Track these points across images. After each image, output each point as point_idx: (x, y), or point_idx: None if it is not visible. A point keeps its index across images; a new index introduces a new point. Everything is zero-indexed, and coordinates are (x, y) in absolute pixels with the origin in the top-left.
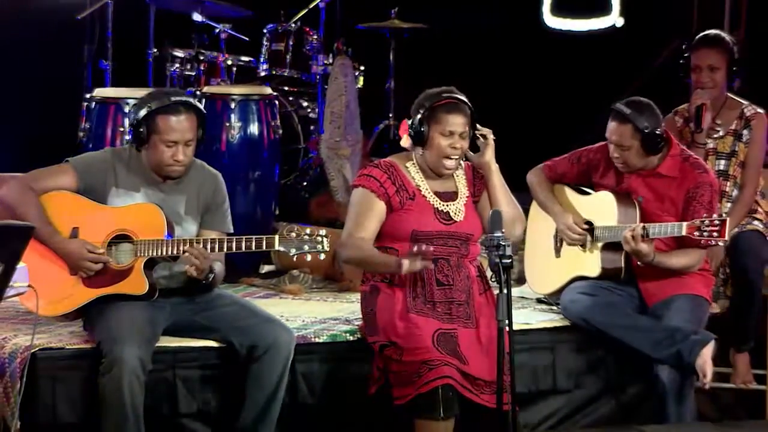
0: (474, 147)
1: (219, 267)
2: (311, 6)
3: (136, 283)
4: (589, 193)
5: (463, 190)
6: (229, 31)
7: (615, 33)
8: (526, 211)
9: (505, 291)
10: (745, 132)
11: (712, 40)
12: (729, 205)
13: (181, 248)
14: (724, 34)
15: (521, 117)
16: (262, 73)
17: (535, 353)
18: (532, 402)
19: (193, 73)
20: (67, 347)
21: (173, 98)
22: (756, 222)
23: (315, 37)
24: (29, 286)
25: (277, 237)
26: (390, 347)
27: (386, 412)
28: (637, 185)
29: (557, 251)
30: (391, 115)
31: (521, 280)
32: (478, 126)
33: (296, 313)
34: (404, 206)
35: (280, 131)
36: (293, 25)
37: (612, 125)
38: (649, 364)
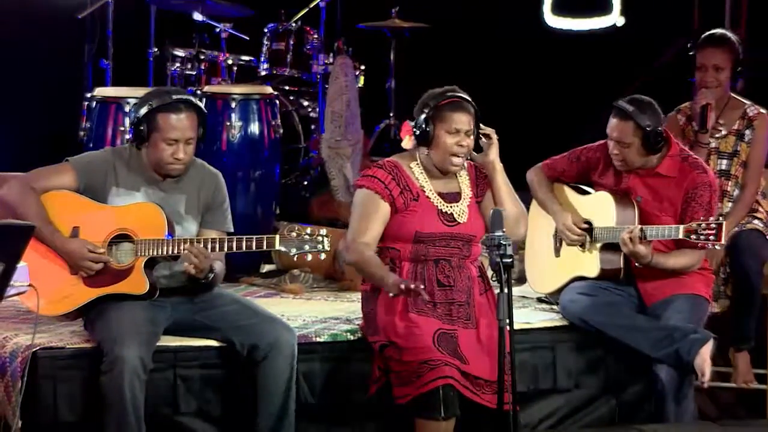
0: (477, 147)
1: (219, 266)
2: (312, 5)
3: (137, 283)
4: (588, 193)
5: (467, 191)
6: (230, 30)
7: (616, 32)
8: (527, 210)
9: (505, 290)
10: (747, 132)
11: (719, 40)
12: (730, 204)
13: (182, 248)
14: (730, 34)
15: (522, 116)
16: (263, 73)
17: (536, 352)
18: (532, 401)
19: (194, 73)
20: (68, 346)
21: (174, 96)
22: (756, 221)
23: (315, 36)
24: (30, 285)
25: (277, 237)
26: (390, 347)
27: (387, 412)
28: (636, 185)
29: (557, 251)
30: (391, 115)
31: (522, 280)
32: (481, 126)
33: (297, 312)
34: (408, 207)
35: (281, 131)
36: (294, 24)
37: (613, 122)
38: (649, 364)
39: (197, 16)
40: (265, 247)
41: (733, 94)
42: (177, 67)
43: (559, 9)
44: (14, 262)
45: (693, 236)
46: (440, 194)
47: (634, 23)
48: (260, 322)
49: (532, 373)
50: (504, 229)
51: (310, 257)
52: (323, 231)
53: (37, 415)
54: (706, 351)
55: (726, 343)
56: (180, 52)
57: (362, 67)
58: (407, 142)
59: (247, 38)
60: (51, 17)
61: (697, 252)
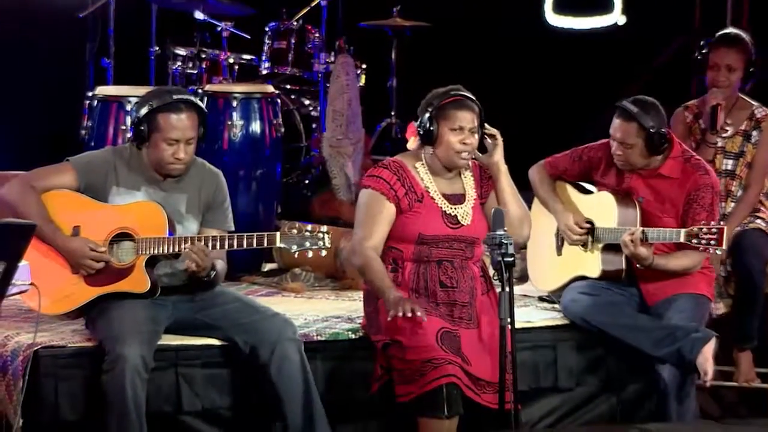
0: (482, 147)
1: (220, 265)
2: (313, 4)
3: (138, 282)
4: (590, 192)
5: (471, 192)
6: (231, 29)
7: (617, 31)
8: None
9: (507, 289)
10: (754, 133)
11: (733, 40)
12: (733, 204)
13: (182, 246)
14: (744, 35)
15: (523, 115)
16: (264, 72)
17: (537, 351)
18: (533, 400)
19: (195, 72)
20: (70, 345)
21: (174, 96)
22: (759, 221)
23: (317, 35)
24: (31, 284)
25: (278, 234)
26: (393, 345)
27: (389, 411)
28: (638, 185)
29: (559, 249)
30: (393, 113)
31: (524, 278)
32: (486, 126)
33: (298, 311)
34: (412, 208)
35: (282, 129)
36: (295, 23)
37: (617, 122)
38: (650, 363)
39: (198, 15)
40: (266, 245)
41: (741, 95)
42: (178, 65)
43: (560, 8)
44: (16, 261)
45: (694, 240)
46: (445, 195)
47: (635, 22)
48: (261, 320)
49: (533, 372)
50: (506, 228)
51: (311, 254)
52: (324, 228)
53: (39, 414)
54: (709, 350)
55: (728, 341)
56: (181, 51)
57: (363, 66)
58: (412, 143)
59: (249, 37)
60: (52, 16)
61: (698, 253)
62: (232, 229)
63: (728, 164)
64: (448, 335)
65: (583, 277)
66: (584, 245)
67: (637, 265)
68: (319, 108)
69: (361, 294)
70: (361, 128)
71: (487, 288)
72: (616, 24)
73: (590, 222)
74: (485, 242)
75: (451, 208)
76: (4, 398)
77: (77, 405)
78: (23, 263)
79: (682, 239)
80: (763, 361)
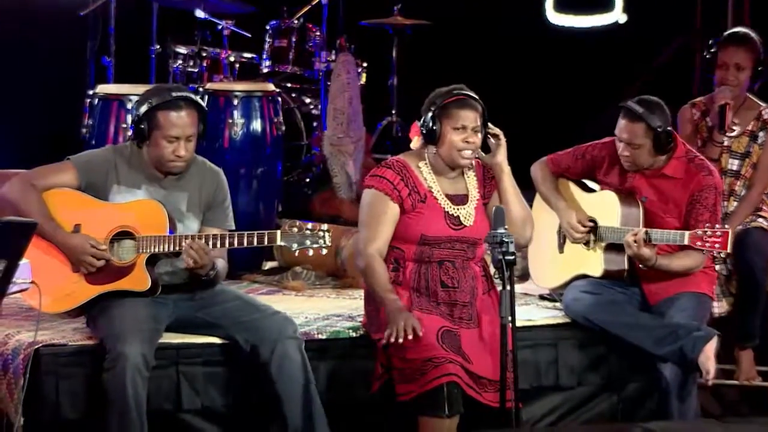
0: (486, 147)
1: (221, 263)
2: (314, 2)
3: (139, 280)
4: (592, 190)
5: (474, 193)
6: (232, 27)
7: (618, 29)
8: (531, 206)
9: (508, 287)
10: (761, 134)
11: (742, 39)
12: (736, 203)
13: (183, 244)
14: (753, 34)
15: (524, 113)
16: (265, 70)
17: (538, 350)
18: (535, 398)
19: (196, 70)
20: (70, 344)
21: (174, 93)
22: (761, 219)
23: (318, 33)
24: (32, 282)
25: (279, 232)
26: (394, 344)
27: (389, 409)
28: (641, 185)
29: (560, 247)
30: (394, 112)
31: (525, 277)
32: (490, 125)
33: (299, 309)
34: (415, 209)
35: (283, 128)
36: (296, 21)
37: (623, 123)
38: (651, 361)
39: (199, 13)
40: (266, 243)
41: (749, 95)
42: (179, 64)
43: (561, 6)
44: (16, 260)
45: (698, 243)
46: (448, 196)
47: (636, 21)
48: (262, 318)
49: (534, 371)
50: (506, 227)
51: (311, 252)
52: (324, 226)
53: (40, 413)
54: (710, 348)
55: (730, 340)
56: (182, 50)
57: (364, 65)
58: (416, 143)
59: (250, 35)
60: (53, 15)
61: (701, 254)
62: (233, 227)
63: (734, 164)
64: (449, 334)
65: (584, 276)
66: (586, 244)
67: (640, 266)
68: (319, 106)
69: (361, 292)
70: (362, 127)
71: (489, 287)
72: (617, 22)
73: (593, 220)
74: (486, 240)
75: (454, 209)
76: (5, 397)
77: (78, 403)
78: (24, 261)
79: (686, 241)
80: (764, 359)
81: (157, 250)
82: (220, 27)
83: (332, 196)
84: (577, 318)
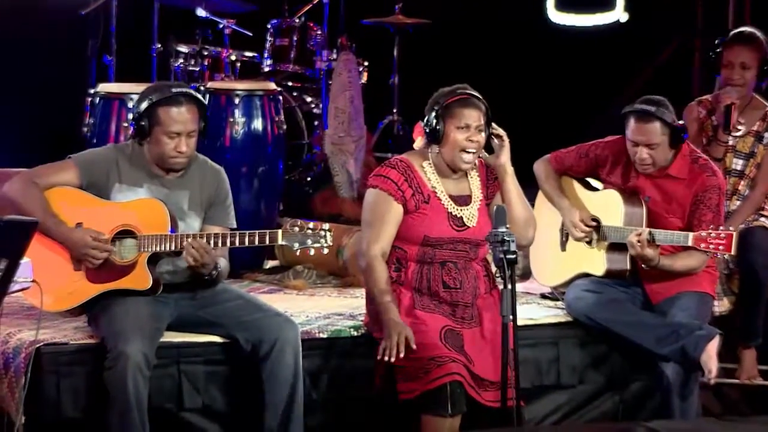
0: (489, 148)
1: (223, 263)
2: (315, 1)
3: (140, 278)
4: (595, 189)
5: (477, 193)
6: (233, 26)
7: (619, 28)
8: (532, 205)
9: (509, 286)
10: (766, 134)
11: (747, 38)
12: (738, 202)
13: (185, 243)
14: (758, 33)
15: (525, 112)
16: (266, 69)
17: (540, 348)
18: (536, 397)
19: (197, 69)
20: (72, 342)
21: (174, 90)
22: (763, 219)
23: (319, 32)
24: (33, 281)
25: (280, 232)
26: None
27: (391, 408)
28: (645, 185)
29: (563, 245)
30: (395, 111)
31: (526, 276)
32: (493, 126)
33: (300, 308)
34: (419, 209)
35: (284, 127)
36: (297, 20)
37: (637, 126)
38: (652, 360)
39: (200, 12)
40: (267, 242)
41: (755, 95)
42: (180, 63)
43: (562, 5)
44: (17, 258)
45: (702, 245)
46: (451, 197)
47: (637, 20)
48: (264, 318)
49: (535, 370)
50: (508, 226)
51: (312, 252)
52: (326, 226)
53: (41, 411)
54: (713, 347)
55: (731, 339)
56: (183, 48)
57: (366, 63)
58: (419, 143)
59: (251, 34)
60: (54, 13)
61: (704, 254)
62: (234, 226)
63: (738, 164)
64: (452, 333)
65: (586, 274)
66: (589, 242)
67: (643, 266)
68: (321, 105)
69: (363, 291)
70: (363, 126)
71: (491, 287)
72: (618, 21)
73: (596, 219)
74: (487, 239)
75: (458, 210)
76: (6, 395)
77: (79, 402)
78: (25, 260)
79: (690, 243)
80: (766, 358)
81: (158, 248)
82: (221, 26)
83: (333, 194)
84: (579, 317)
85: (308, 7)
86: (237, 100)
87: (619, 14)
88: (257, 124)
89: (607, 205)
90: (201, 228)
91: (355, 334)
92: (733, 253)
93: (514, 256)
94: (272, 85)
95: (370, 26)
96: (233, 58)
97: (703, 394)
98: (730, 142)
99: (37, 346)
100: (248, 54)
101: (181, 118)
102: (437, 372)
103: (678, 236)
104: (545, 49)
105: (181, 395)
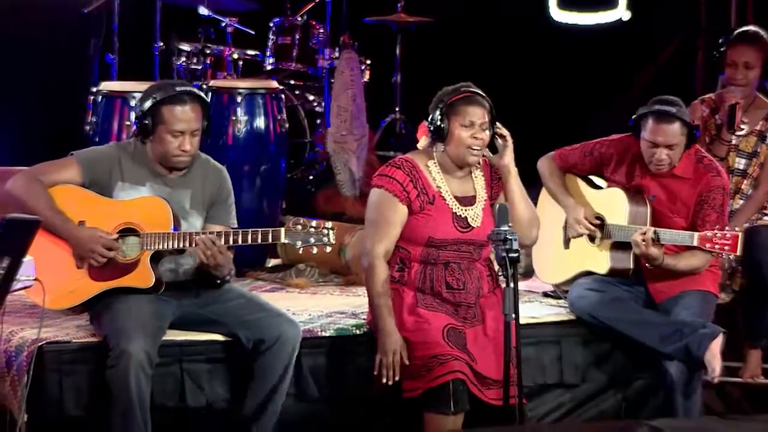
0: (493, 148)
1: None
2: (317, 0)
3: (143, 277)
4: (599, 188)
5: (482, 193)
6: (236, 24)
7: (621, 26)
8: (535, 203)
9: (511, 285)
10: None
11: (751, 38)
12: (741, 201)
13: (188, 242)
14: (762, 32)
15: (528, 110)
16: (269, 67)
17: (542, 347)
18: (538, 395)
19: (200, 67)
20: (74, 341)
21: (178, 88)
22: (766, 218)
23: (321, 30)
24: (35, 279)
25: (282, 230)
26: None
27: (393, 406)
28: (649, 184)
29: (566, 242)
30: (397, 109)
31: (528, 274)
32: (498, 125)
33: (303, 306)
34: (423, 210)
35: (287, 125)
36: (299, 18)
37: (658, 127)
38: (655, 359)
39: (203, 11)
40: (270, 240)
41: (759, 94)
42: (183, 61)
43: (565, 3)
44: (20, 256)
45: (708, 245)
46: (456, 197)
47: (640, 18)
48: (266, 317)
49: (538, 368)
50: (510, 224)
51: (315, 250)
52: (329, 224)
53: (43, 410)
54: (716, 346)
55: (733, 338)
56: (186, 47)
57: (368, 62)
58: (423, 143)
59: (253, 32)
60: (56, 12)
61: (708, 254)
62: (235, 225)
63: (741, 163)
64: (454, 332)
65: (589, 272)
66: (592, 239)
67: (647, 265)
68: (323, 104)
69: (365, 290)
70: (366, 124)
71: (494, 286)
72: (620, 20)
73: (600, 217)
74: (490, 237)
75: (462, 210)
76: (8, 394)
77: (82, 400)
78: (27, 258)
79: (695, 243)
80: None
81: (161, 247)
82: (223, 24)
83: (335, 193)
84: (583, 315)
85: (310, 6)
86: (239, 99)
87: (621, 12)
88: (259, 122)
89: (611, 203)
90: (203, 227)
91: (358, 332)
92: (738, 253)
93: (516, 254)
94: (274, 84)
95: (373, 24)
96: (235, 56)
97: (705, 392)
98: (733, 142)
99: (40, 344)
100: (250, 52)
101: (185, 116)
102: (440, 370)
103: (683, 236)
104: (548, 48)
105: (183, 393)
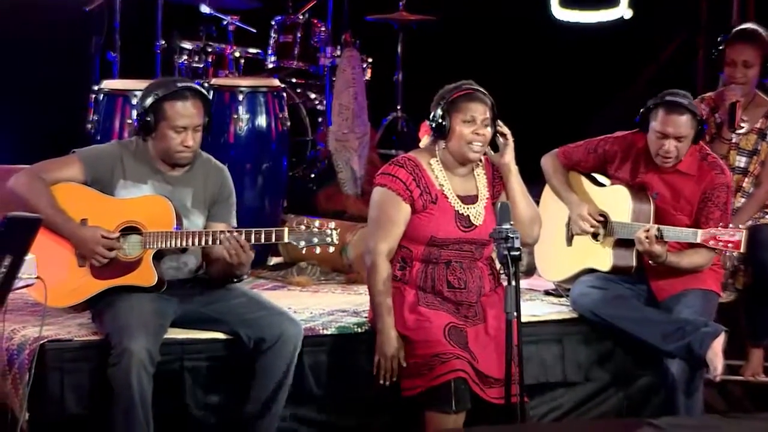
0: (494, 146)
1: None
2: None
3: (145, 275)
4: (603, 185)
5: (484, 191)
6: (237, 23)
7: (623, 25)
8: (537, 202)
9: (513, 283)
10: None
11: (750, 36)
12: (743, 200)
13: (190, 241)
14: (761, 30)
15: (529, 108)
16: (270, 65)
17: (544, 345)
18: (541, 394)
19: (201, 65)
20: (76, 339)
21: (179, 84)
22: None
23: (323, 29)
24: (37, 277)
25: (286, 230)
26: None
27: (394, 404)
28: (653, 180)
29: (569, 240)
30: (399, 108)
31: (530, 272)
32: (499, 123)
33: (304, 305)
34: (426, 209)
35: (288, 123)
36: (301, 17)
37: (669, 118)
38: (657, 357)
39: (204, 9)
40: (274, 240)
41: (759, 92)
42: (184, 59)
43: (566, 1)
44: (22, 255)
45: (712, 242)
46: (459, 196)
47: (642, 16)
48: (267, 316)
49: (540, 366)
50: (512, 222)
51: (318, 250)
52: (332, 224)
53: (45, 408)
54: (718, 344)
55: (735, 336)
56: (187, 45)
57: (369, 60)
58: (425, 142)
59: (255, 31)
60: (58, 10)
61: (710, 252)
62: (235, 225)
63: (741, 161)
64: (456, 330)
65: (592, 270)
66: (595, 236)
67: (650, 262)
68: (325, 102)
69: (366, 288)
70: (367, 122)
71: (495, 285)
72: (622, 18)
73: (603, 215)
74: (491, 236)
75: (464, 208)
76: (10, 392)
77: (83, 398)
78: (29, 256)
79: (699, 240)
80: None
81: (163, 246)
82: (225, 22)
83: (337, 191)
84: (585, 312)
85: (312, 4)
86: (241, 97)
87: (623, 11)
88: (261, 120)
89: (615, 200)
90: (205, 226)
91: (359, 330)
92: (742, 251)
93: (518, 252)
94: (276, 82)
95: (374, 23)
96: (237, 54)
97: (706, 391)
98: (734, 140)
99: (41, 342)
100: (252, 51)
101: (187, 112)
102: (441, 369)
103: (687, 233)
104: (549, 46)
105: (184, 391)
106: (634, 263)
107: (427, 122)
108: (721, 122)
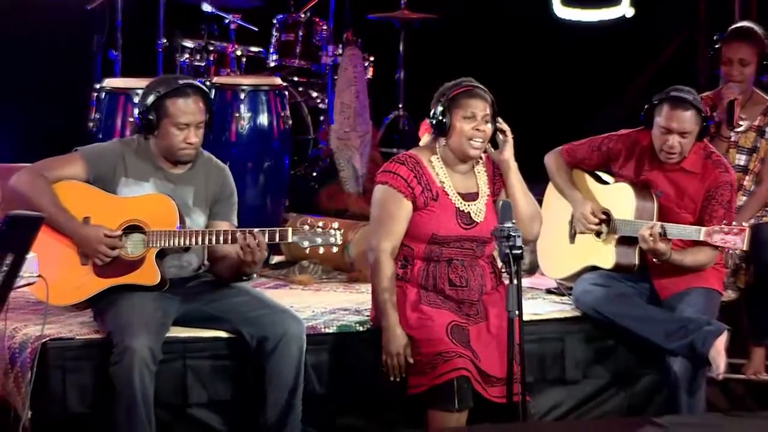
0: (494, 143)
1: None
2: None
3: (148, 274)
4: (607, 183)
5: (484, 189)
6: (239, 21)
7: (624, 23)
8: (540, 201)
9: (515, 281)
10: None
11: (745, 34)
12: (744, 198)
13: (193, 240)
14: (757, 28)
15: (531, 106)
16: (272, 64)
17: (545, 343)
18: (542, 392)
19: (203, 64)
20: (78, 337)
21: (180, 81)
22: None
23: (325, 27)
24: (39, 276)
25: (290, 229)
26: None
27: (397, 402)
28: (657, 178)
29: (572, 237)
30: (400, 106)
31: (532, 270)
32: (499, 120)
33: (306, 303)
34: (427, 206)
35: (290, 122)
36: (303, 15)
37: (674, 113)
38: (660, 355)
39: (206, 7)
40: (277, 240)
41: (756, 90)
42: (186, 58)
43: (568, 0)
44: (23, 253)
45: (715, 239)
46: (459, 193)
47: (643, 15)
48: (269, 314)
49: (541, 365)
50: (513, 221)
51: (322, 250)
52: (335, 224)
53: (47, 406)
54: (721, 343)
55: (737, 335)
56: (189, 43)
57: (371, 59)
58: (425, 140)
59: (256, 29)
60: (60, 9)
61: (713, 250)
62: (235, 224)
63: (741, 159)
64: (458, 329)
65: (595, 267)
66: (598, 234)
67: (654, 260)
68: (326, 100)
69: (368, 286)
70: (369, 121)
71: (497, 283)
72: (623, 16)
73: (606, 213)
74: (493, 234)
75: (465, 205)
76: (12, 390)
77: (85, 397)
78: (31, 255)
79: (702, 237)
80: None
81: (166, 244)
82: (227, 21)
83: (339, 190)
84: (587, 310)
85: (314, 2)
86: (243, 95)
87: (624, 9)
88: (263, 119)
89: (618, 198)
90: (207, 224)
91: (361, 329)
92: (745, 248)
93: (519, 251)
94: (278, 80)
95: (376, 21)
96: (239, 53)
97: (708, 389)
98: (733, 138)
99: (43, 341)
100: (254, 49)
101: (189, 109)
102: (444, 367)
103: (690, 230)
104: (551, 44)
105: (186, 390)
106: (637, 261)
107: (426, 121)
108: (719, 121)
